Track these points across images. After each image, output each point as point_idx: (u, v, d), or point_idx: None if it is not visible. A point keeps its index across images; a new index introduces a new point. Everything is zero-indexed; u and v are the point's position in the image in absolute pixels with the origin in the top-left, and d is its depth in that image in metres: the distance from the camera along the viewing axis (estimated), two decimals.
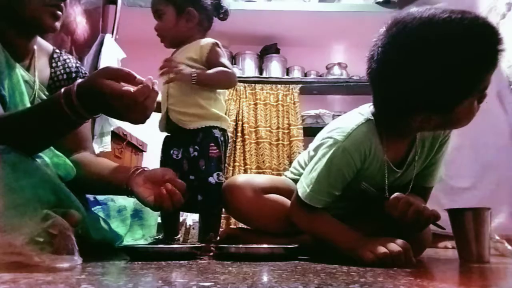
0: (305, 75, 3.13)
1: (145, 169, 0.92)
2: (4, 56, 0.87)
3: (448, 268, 0.86)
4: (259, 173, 2.69)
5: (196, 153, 1.14)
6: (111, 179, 0.93)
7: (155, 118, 1.06)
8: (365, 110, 0.99)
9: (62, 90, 0.74)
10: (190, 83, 1.13)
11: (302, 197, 0.96)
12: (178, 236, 1.23)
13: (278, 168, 2.76)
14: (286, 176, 1.29)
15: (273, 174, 2.68)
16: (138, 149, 2.54)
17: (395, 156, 0.98)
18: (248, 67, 3.04)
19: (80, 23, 2.09)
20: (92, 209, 1.02)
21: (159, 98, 1.00)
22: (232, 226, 2.36)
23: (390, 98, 0.88)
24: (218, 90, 1.20)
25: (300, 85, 2.95)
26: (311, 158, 1.05)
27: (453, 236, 0.96)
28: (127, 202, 1.10)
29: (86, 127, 1.07)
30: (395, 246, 0.78)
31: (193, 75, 1.12)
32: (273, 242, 1.00)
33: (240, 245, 0.94)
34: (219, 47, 1.20)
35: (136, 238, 1.10)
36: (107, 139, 2.02)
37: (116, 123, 2.06)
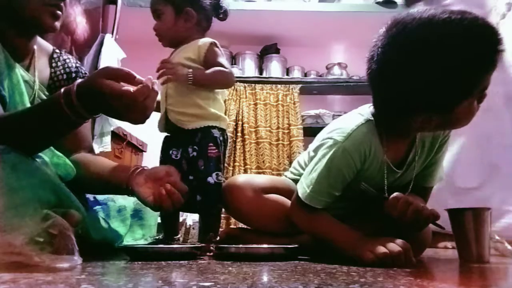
0: (305, 75, 3.13)
1: (145, 168, 0.92)
2: (4, 56, 0.87)
3: (448, 268, 0.86)
4: (259, 173, 2.69)
5: (195, 153, 1.14)
6: (111, 179, 0.93)
7: (155, 118, 1.06)
8: (365, 110, 0.99)
9: (62, 90, 0.74)
10: (187, 83, 1.13)
11: (302, 198, 0.96)
12: (178, 236, 1.23)
13: (278, 168, 2.76)
14: (286, 176, 1.29)
15: (273, 174, 2.68)
16: (138, 149, 2.54)
17: (395, 157, 0.98)
18: (248, 67, 3.04)
19: (80, 23, 2.09)
20: (92, 209, 1.02)
21: (159, 97, 1.01)
22: (232, 226, 2.36)
23: (390, 98, 0.88)
24: (217, 90, 1.20)
25: (300, 85, 2.95)
26: (311, 158, 1.05)
27: (453, 236, 0.96)
28: (127, 202, 1.10)
29: (86, 127, 1.07)
30: (395, 246, 0.78)
31: (189, 75, 1.12)
32: (273, 242, 1.00)
33: (240, 245, 0.94)
34: (217, 47, 1.20)
35: (136, 238, 1.10)
36: (107, 139, 2.02)
37: (116, 123, 2.06)
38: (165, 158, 1.19)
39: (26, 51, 0.97)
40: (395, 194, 0.91)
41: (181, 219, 1.57)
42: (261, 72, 3.09)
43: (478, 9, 1.45)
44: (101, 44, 2.16)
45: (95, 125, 1.98)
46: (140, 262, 0.74)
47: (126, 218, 1.08)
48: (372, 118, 0.95)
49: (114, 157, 2.17)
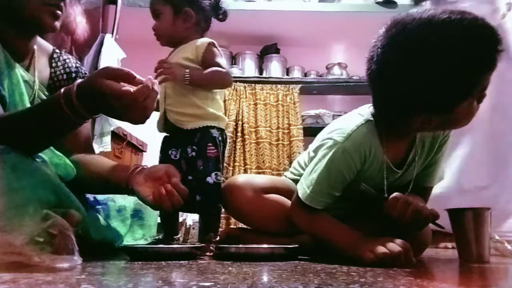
0: (305, 75, 3.13)
1: (145, 167, 0.92)
2: (4, 56, 0.87)
3: (448, 268, 0.86)
4: (259, 173, 2.69)
5: (194, 153, 1.14)
6: (111, 178, 0.93)
7: (155, 118, 1.06)
8: (365, 111, 0.99)
9: (62, 90, 0.74)
10: (183, 83, 1.13)
11: (302, 198, 0.96)
12: (178, 236, 1.23)
13: (278, 168, 2.76)
14: (286, 176, 1.29)
15: (273, 174, 2.68)
16: (138, 149, 2.54)
17: (395, 157, 0.98)
18: (248, 67, 3.04)
19: (80, 23, 2.09)
20: (92, 209, 1.02)
21: (159, 97, 1.01)
22: (232, 226, 2.36)
23: (390, 99, 0.88)
24: (215, 90, 1.21)
25: (300, 85, 2.95)
26: (311, 159, 1.05)
27: (453, 236, 0.96)
28: (127, 202, 1.10)
29: (86, 127, 1.07)
30: (395, 246, 0.78)
31: (186, 75, 1.12)
32: (273, 242, 1.00)
33: (240, 245, 0.94)
34: (215, 47, 1.20)
35: (136, 238, 1.10)
36: (107, 139, 2.02)
37: (116, 123, 2.06)
38: (164, 158, 1.19)
39: (26, 51, 0.97)
40: (394, 194, 0.91)
41: (181, 219, 1.57)
42: (261, 72, 3.09)
43: (488, 5, 1.44)
44: (101, 44, 2.15)
45: (95, 125, 1.98)
46: (140, 262, 0.74)
47: (126, 218, 1.09)
48: (372, 119, 0.95)
49: (114, 157, 2.17)
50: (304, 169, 1.12)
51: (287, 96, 2.92)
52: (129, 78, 0.74)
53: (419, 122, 0.86)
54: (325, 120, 2.89)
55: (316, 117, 2.95)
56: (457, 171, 1.59)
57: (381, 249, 0.78)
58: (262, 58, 3.12)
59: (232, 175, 2.66)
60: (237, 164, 2.74)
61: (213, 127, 1.17)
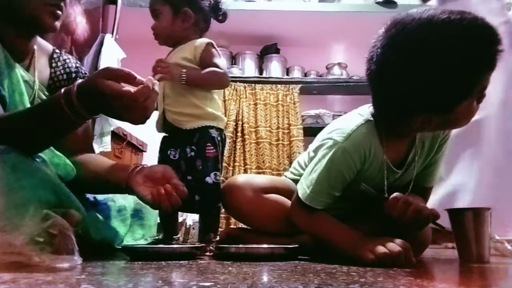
0: (305, 75, 3.13)
1: (145, 166, 0.92)
2: (4, 56, 0.87)
3: (448, 268, 0.86)
4: (259, 173, 2.69)
5: (193, 153, 1.14)
6: (111, 178, 0.93)
7: (155, 118, 1.06)
8: (365, 111, 0.99)
9: (62, 90, 0.74)
10: (180, 83, 1.13)
11: (302, 198, 0.96)
12: (177, 236, 1.23)
13: (278, 168, 2.76)
14: (286, 176, 1.29)
15: (273, 174, 2.68)
16: (138, 149, 2.54)
17: (395, 157, 0.98)
18: (248, 67, 3.04)
19: (80, 23, 2.09)
20: (92, 209, 1.02)
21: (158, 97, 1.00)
22: (232, 226, 2.36)
23: (390, 99, 0.88)
24: (214, 90, 1.21)
25: (300, 85, 2.95)
26: (311, 159, 1.05)
27: (453, 236, 0.96)
28: (127, 202, 1.10)
29: (86, 127, 1.07)
30: (395, 246, 0.78)
31: (182, 75, 1.12)
32: (273, 242, 1.00)
33: (240, 245, 0.94)
34: (214, 47, 1.20)
35: (136, 238, 1.10)
36: (107, 139, 2.02)
37: (116, 123, 2.06)
38: (163, 158, 1.19)
39: (26, 51, 0.97)
40: (395, 194, 0.91)
41: (181, 219, 1.58)
42: (261, 72, 3.09)
43: (495, 1, 1.43)
44: (101, 44, 2.16)
45: (95, 125, 1.98)
46: (140, 262, 0.74)
47: (126, 218, 1.09)
48: (372, 119, 0.95)
49: (114, 157, 2.17)
50: (304, 169, 1.12)
51: (287, 96, 2.92)
52: (130, 79, 0.74)
53: (419, 122, 0.86)
54: (325, 120, 2.89)
55: (316, 117, 2.95)
56: (467, 169, 1.58)
57: (381, 249, 0.78)
58: (262, 58, 3.12)
59: (232, 175, 2.66)
60: (237, 164, 2.74)
61: (212, 127, 1.17)
